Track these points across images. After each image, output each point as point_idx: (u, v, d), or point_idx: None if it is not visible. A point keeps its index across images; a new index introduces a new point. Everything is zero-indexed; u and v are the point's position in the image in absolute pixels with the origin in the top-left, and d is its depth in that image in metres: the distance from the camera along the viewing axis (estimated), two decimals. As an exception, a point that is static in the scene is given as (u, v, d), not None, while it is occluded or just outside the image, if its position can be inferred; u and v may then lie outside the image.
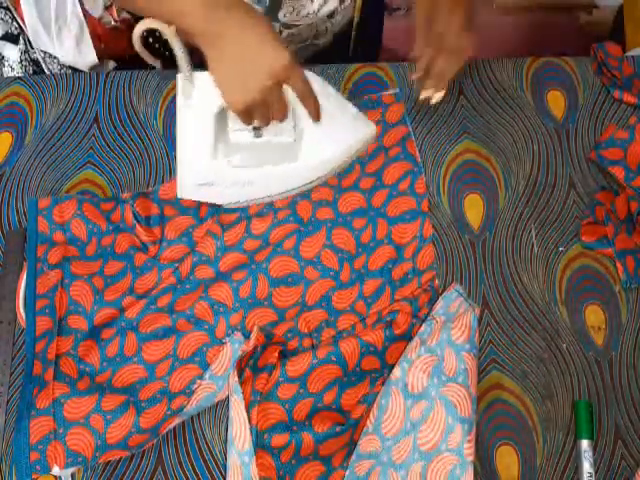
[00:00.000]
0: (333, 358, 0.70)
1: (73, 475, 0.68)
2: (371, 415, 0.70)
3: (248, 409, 0.67)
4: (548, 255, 0.79)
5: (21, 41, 1.21)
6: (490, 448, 0.70)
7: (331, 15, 0.93)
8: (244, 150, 0.74)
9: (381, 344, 0.71)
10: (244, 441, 0.65)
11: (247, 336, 0.72)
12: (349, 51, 1.03)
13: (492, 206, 0.82)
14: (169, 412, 0.69)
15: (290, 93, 0.67)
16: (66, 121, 0.86)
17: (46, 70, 1.24)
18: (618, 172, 0.82)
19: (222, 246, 0.77)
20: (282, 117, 0.69)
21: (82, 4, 1.19)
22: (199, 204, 0.79)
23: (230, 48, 0.64)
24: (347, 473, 0.68)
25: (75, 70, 1.25)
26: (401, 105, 0.86)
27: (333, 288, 0.76)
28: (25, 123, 0.86)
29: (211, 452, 0.69)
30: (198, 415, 0.71)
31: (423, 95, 0.81)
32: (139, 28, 0.64)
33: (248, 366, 0.69)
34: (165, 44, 0.67)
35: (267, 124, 0.70)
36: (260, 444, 0.67)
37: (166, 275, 0.76)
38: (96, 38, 1.23)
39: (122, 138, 0.85)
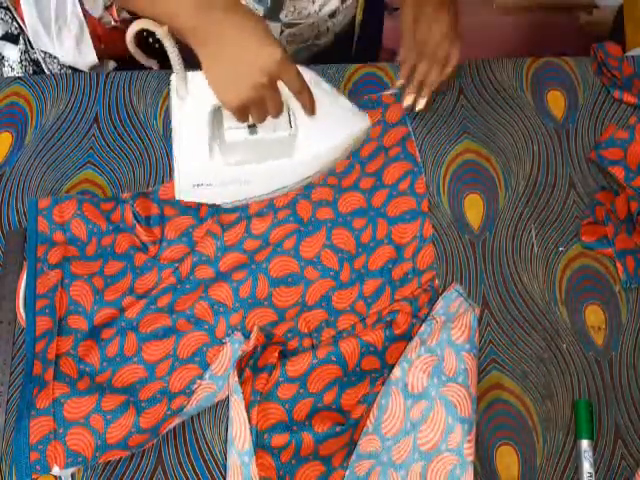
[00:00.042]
0: (333, 358, 0.70)
1: (73, 475, 0.68)
2: (371, 415, 0.70)
3: (248, 409, 0.67)
4: (548, 255, 0.79)
5: (21, 41, 1.21)
6: (490, 448, 0.70)
7: (332, 15, 0.93)
8: (240, 148, 0.74)
9: (381, 344, 0.71)
10: (244, 441, 0.65)
11: (247, 336, 0.72)
12: (351, 51, 1.03)
13: (492, 206, 0.82)
14: (169, 412, 0.69)
15: (284, 88, 0.67)
16: (66, 121, 0.86)
17: (46, 70, 1.24)
18: (618, 172, 0.82)
19: (222, 246, 0.77)
20: (277, 113, 0.69)
21: (82, 4, 1.20)
22: (199, 204, 0.79)
23: (222, 46, 0.64)
24: (347, 473, 0.68)
25: (75, 70, 1.25)
26: (401, 105, 0.86)
27: (333, 288, 0.76)
28: (25, 123, 0.86)
29: (211, 452, 0.69)
30: (198, 415, 0.71)
31: (405, 102, 0.82)
32: (132, 29, 0.64)
33: (248, 366, 0.69)
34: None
35: (263, 121, 0.70)
36: (260, 444, 0.67)
37: (166, 275, 0.76)
38: (96, 38, 1.23)
39: (122, 138, 0.85)
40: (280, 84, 0.67)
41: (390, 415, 0.69)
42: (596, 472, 0.69)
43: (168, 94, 0.86)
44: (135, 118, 0.86)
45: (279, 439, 0.67)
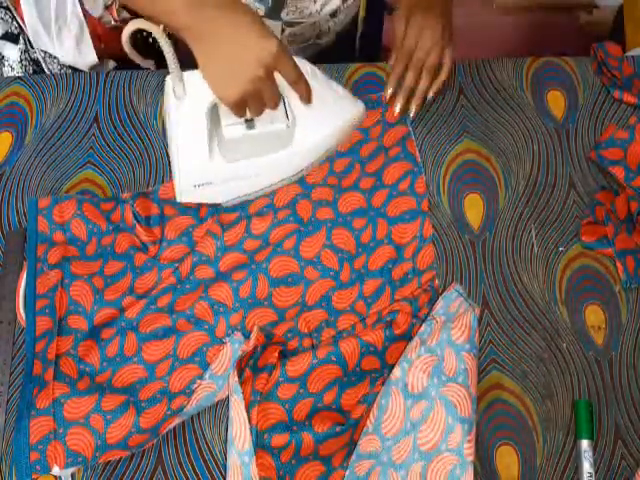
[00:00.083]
0: (333, 358, 0.70)
1: (73, 475, 0.68)
2: (371, 415, 0.70)
3: (248, 409, 0.67)
4: (548, 255, 0.79)
5: (21, 41, 1.21)
6: (490, 448, 0.70)
7: (334, 14, 0.93)
8: (239, 144, 0.75)
9: (381, 344, 0.71)
10: (244, 441, 0.65)
11: (247, 336, 0.72)
12: (355, 50, 1.03)
13: (492, 206, 0.82)
14: (169, 412, 0.69)
15: (280, 79, 0.67)
16: (66, 121, 0.86)
17: (46, 70, 1.24)
18: (618, 172, 0.82)
19: (222, 246, 0.77)
20: (275, 105, 0.70)
21: (82, 4, 1.19)
22: (199, 204, 0.79)
23: (218, 43, 0.64)
24: (347, 473, 0.68)
25: (75, 70, 1.25)
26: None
27: (333, 288, 0.76)
28: (25, 123, 0.86)
29: (211, 452, 0.69)
30: (198, 415, 0.71)
31: (395, 110, 0.84)
32: (127, 30, 0.64)
33: (248, 366, 0.69)
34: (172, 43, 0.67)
35: (260, 114, 0.70)
36: (260, 444, 0.67)
37: (166, 275, 0.76)
38: (96, 38, 1.23)
39: (122, 138, 0.85)
40: (275, 75, 0.67)
41: (390, 415, 0.69)
42: (596, 472, 0.69)
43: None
44: (135, 118, 0.86)
45: (279, 439, 0.67)
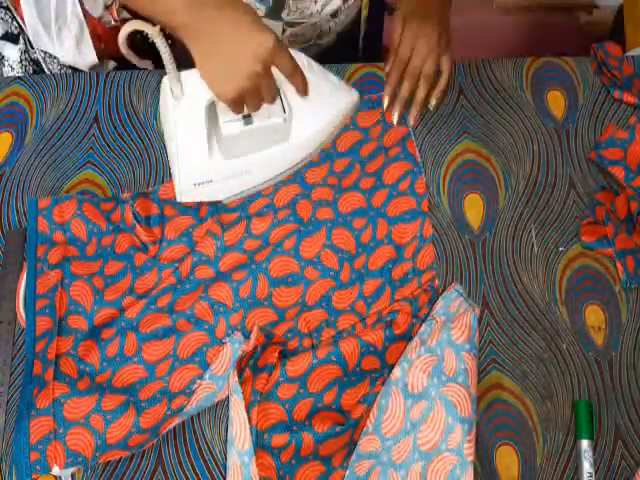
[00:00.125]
0: (333, 358, 0.70)
1: (73, 475, 0.68)
2: (371, 415, 0.70)
3: (248, 409, 0.67)
4: (548, 255, 0.79)
5: (21, 41, 1.21)
6: (490, 448, 0.70)
7: (335, 14, 0.93)
8: (237, 140, 0.75)
9: (381, 344, 0.71)
10: (244, 441, 0.65)
11: (247, 336, 0.72)
12: (357, 50, 1.04)
13: (492, 206, 0.82)
14: (169, 412, 0.69)
15: (275, 72, 0.68)
16: (66, 121, 0.86)
17: (46, 70, 1.24)
18: (618, 172, 0.82)
19: (222, 246, 0.77)
20: (272, 99, 0.70)
21: (82, 4, 1.19)
22: (199, 204, 0.79)
23: (216, 42, 0.64)
24: (347, 473, 0.68)
25: (75, 70, 1.25)
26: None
27: (333, 288, 0.76)
28: (25, 123, 0.86)
29: (211, 452, 0.69)
30: (198, 415, 0.71)
31: (393, 119, 0.84)
32: (124, 31, 0.64)
33: (248, 366, 0.69)
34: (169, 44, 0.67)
35: (258, 109, 0.70)
36: (260, 444, 0.67)
37: (166, 275, 0.76)
38: (96, 38, 1.23)
39: (122, 138, 0.85)
40: (273, 69, 0.67)
41: (390, 415, 0.69)
42: (596, 472, 0.69)
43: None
44: (135, 118, 0.86)
45: (279, 439, 0.67)
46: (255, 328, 0.72)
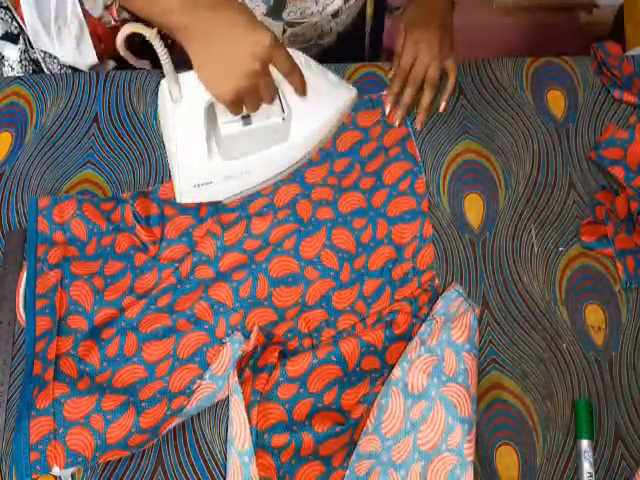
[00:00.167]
0: (333, 358, 0.70)
1: (73, 475, 0.68)
2: (371, 415, 0.70)
3: (248, 409, 0.67)
4: (548, 255, 0.79)
5: (21, 41, 1.21)
6: (490, 448, 0.70)
7: (335, 14, 0.93)
8: (237, 141, 0.75)
9: (381, 344, 0.71)
10: (244, 441, 0.65)
11: (247, 336, 0.72)
12: (362, 49, 1.04)
13: (492, 206, 0.82)
14: (169, 412, 0.69)
15: (274, 71, 0.67)
16: (66, 121, 0.86)
17: (46, 70, 1.23)
18: (618, 172, 0.82)
19: (222, 246, 0.77)
20: (271, 99, 0.70)
21: (82, 4, 1.19)
22: (199, 204, 0.79)
23: (212, 43, 0.64)
24: (347, 473, 0.68)
25: (75, 70, 1.24)
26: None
27: (333, 288, 0.76)
28: (25, 123, 0.86)
29: (211, 452, 0.69)
30: (198, 415, 0.71)
31: (395, 124, 0.85)
32: (122, 33, 0.64)
33: (248, 366, 0.69)
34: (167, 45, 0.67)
35: (257, 109, 0.70)
36: (260, 444, 0.67)
37: (166, 275, 0.76)
38: (96, 38, 1.23)
39: (122, 138, 0.85)
40: (270, 68, 0.67)
41: (390, 415, 0.69)
42: (596, 472, 0.69)
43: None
44: (135, 118, 0.86)
45: (279, 439, 0.67)
46: (255, 328, 0.72)
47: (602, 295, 0.77)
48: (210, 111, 0.72)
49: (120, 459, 0.68)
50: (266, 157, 0.77)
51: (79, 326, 0.72)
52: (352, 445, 0.69)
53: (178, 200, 0.79)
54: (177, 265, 0.76)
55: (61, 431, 0.67)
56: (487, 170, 0.84)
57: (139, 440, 0.67)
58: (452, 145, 0.85)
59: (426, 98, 0.83)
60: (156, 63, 0.70)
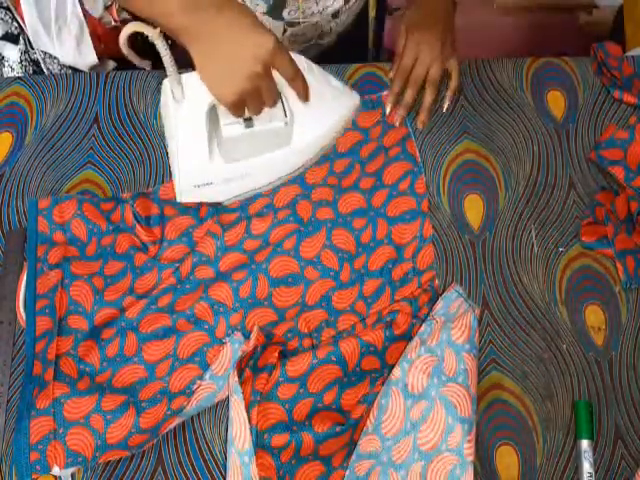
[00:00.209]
0: (333, 358, 0.70)
1: (73, 475, 0.68)
2: (371, 415, 0.70)
3: (248, 409, 0.67)
4: (548, 255, 0.79)
5: (21, 41, 1.21)
6: (490, 448, 0.70)
7: (336, 15, 0.93)
8: (238, 143, 0.75)
9: (381, 344, 0.71)
10: (244, 441, 0.65)
11: (247, 336, 0.72)
12: (358, 50, 1.04)
13: (492, 206, 0.82)
14: (169, 412, 0.69)
15: (277, 76, 0.67)
16: (66, 121, 0.86)
17: (46, 70, 1.24)
18: (618, 172, 0.82)
19: (222, 246, 0.77)
20: (274, 102, 0.70)
21: (82, 4, 1.19)
22: (199, 204, 0.79)
23: (215, 44, 0.64)
24: (347, 473, 0.68)
25: (75, 70, 1.25)
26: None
27: (333, 288, 0.76)
28: (25, 123, 0.86)
29: (211, 452, 0.69)
30: (198, 415, 0.71)
31: (395, 124, 0.85)
32: (125, 33, 0.64)
33: (248, 366, 0.69)
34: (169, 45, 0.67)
35: (259, 112, 0.70)
36: (260, 444, 0.67)
37: (166, 275, 0.76)
38: (96, 38, 1.23)
39: (122, 138, 0.85)
40: (274, 72, 0.67)
41: (390, 415, 0.69)
42: (596, 472, 0.69)
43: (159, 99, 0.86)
44: (135, 118, 0.86)
45: (279, 439, 0.67)
46: (255, 328, 0.72)
47: (602, 295, 0.77)
48: (212, 112, 0.72)
49: (120, 459, 0.68)
50: (267, 161, 0.77)
51: (79, 326, 0.72)
52: (352, 445, 0.69)
53: (178, 199, 0.79)
54: (177, 265, 0.76)
55: (61, 431, 0.67)
56: (487, 170, 0.84)
57: (139, 440, 0.67)
58: (452, 145, 0.85)
59: (428, 97, 0.83)
60: (158, 63, 0.70)
